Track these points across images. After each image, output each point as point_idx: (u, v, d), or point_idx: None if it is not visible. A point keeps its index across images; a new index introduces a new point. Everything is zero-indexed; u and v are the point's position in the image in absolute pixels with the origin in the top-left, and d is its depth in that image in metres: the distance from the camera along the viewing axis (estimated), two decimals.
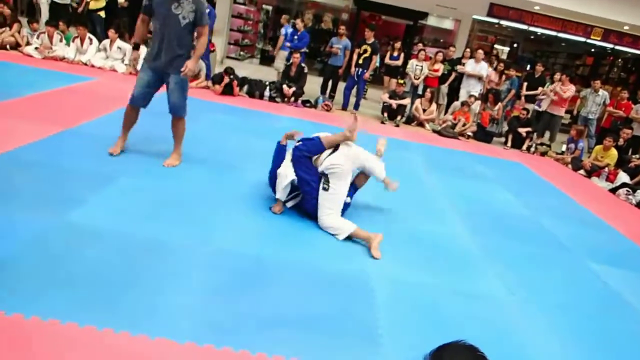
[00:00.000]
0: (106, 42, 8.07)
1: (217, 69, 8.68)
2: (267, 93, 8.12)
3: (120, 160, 3.89)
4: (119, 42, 8.05)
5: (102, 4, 9.38)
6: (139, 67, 4.08)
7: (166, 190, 3.49)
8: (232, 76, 7.79)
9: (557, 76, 9.27)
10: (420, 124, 8.82)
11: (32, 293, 2.09)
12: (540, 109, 9.28)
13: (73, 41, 7.97)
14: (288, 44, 8.89)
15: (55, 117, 4.67)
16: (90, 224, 2.78)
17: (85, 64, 7.81)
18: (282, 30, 9.52)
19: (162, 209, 3.16)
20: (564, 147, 8.57)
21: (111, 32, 8.07)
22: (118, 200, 3.17)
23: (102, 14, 9.41)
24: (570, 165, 7.91)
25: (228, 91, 7.80)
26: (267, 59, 13.66)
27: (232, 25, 12.60)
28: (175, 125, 4.09)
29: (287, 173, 3.34)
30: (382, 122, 8.44)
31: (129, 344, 1.92)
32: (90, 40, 7.99)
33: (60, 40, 7.99)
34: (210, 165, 4.25)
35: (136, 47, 4.06)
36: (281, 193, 3.40)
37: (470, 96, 8.86)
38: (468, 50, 9.38)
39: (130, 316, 2.07)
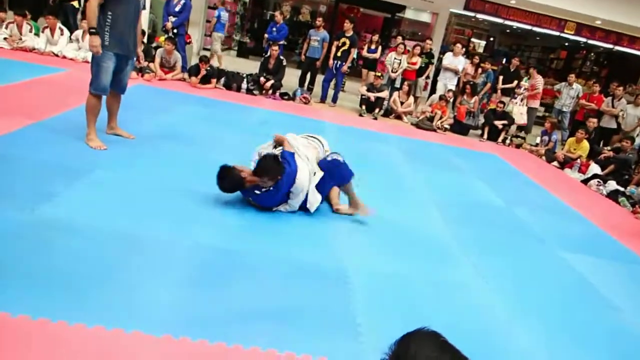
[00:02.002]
0: (78, 32, 7.87)
1: (194, 61, 8.57)
2: (244, 85, 8.05)
3: (93, 152, 3.81)
4: None
5: None
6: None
7: (140, 183, 3.44)
8: (208, 67, 7.70)
9: (532, 71, 9.47)
10: (398, 117, 8.88)
11: (1, 289, 2.04)
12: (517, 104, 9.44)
13: (43, 31, 7.75)
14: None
15: (25, 109, 4.54)
16: (63, 218, 2.72)
17: (57, 55, 7.61)
18: (215, 13, 9.66)
19: (136, 203, 3.11)
20: (538, 139, 8.74)
21: (84, 23, 7.86)
22: (92, 193, 3.11)
23: (76, 3, 9.17)
24: (544, 157, 8.08)
25: (205, 80, 7.74)
26: (244, 51, 13.53)
27: (209, 16, 12.42)
28: (118, 101, 4.29)
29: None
30: (360, 115, 8.46)
31: (103, 338, 1.89)
32: (61, 30, 7.78)
33: (30, 31, 7.76)
34: (186, 158, 4.20)
35: (94, 33, 3.68)
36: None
37: (449, 91, 8.95)
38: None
39: (104, 310, 2.04)
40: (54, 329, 1.88)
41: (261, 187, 3.24)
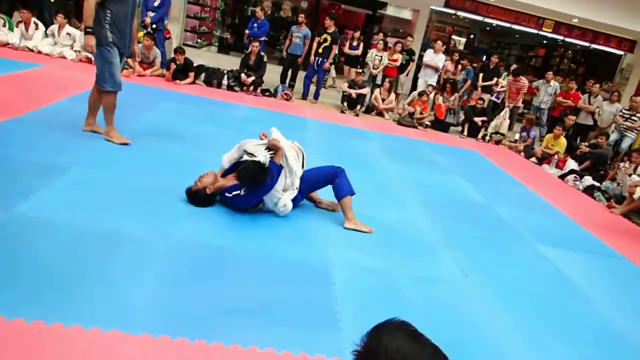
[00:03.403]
0: (54, 27, 7.69)
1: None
2: (225, 82, 7.98)
3: (72, 149, 3.74)
4: (68, 28, 7.70)
5: None
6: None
7: (120, 180, 3.39)
8: (185, 58, 7.55)
9: (512, 67, 9.61)
10: (380, 114, 8.92)
11: None
12: (499, 101, 9.57)
13: (17, 26, 7.56)
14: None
15: None
16: (41, 216, 2.67)
17: (32, 50, 7.43)
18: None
19: (116, 200, 3.07)
20: (517, 136, 8.88)
21: (60, 17, 7.70)
22: (70, 191, 3.05)
23: None
24: (522, 153, 8.20)
25: (179, 76, 7.58)
26: (225, 47, 13.41)
27: (189, 11, 12.29)
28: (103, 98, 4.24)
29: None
30: (342, 112, 8.47)
31: (81, 338, 1.86)
32: (36, 25, 7.59)
33: (4, 25, 7.56)
34: (166, 155, 4.15)
35: (90, 33, 3.77)
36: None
37: (429, 86, 9.02)
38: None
39: (82, 310, 2.01)
40: (30, 329, 1.85)
41: (233, 190, 3.20)
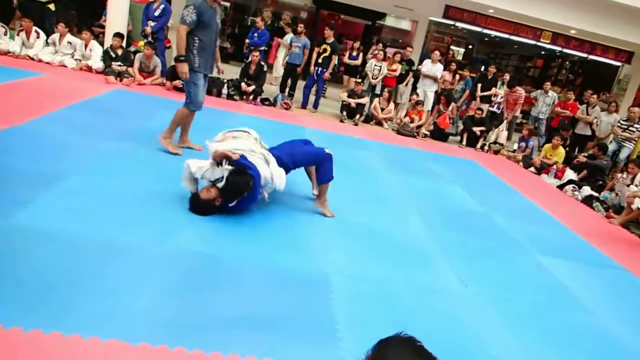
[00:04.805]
0: (55, 36, 7.73)
1: None
2: (225, 91, 8.01)
3: (71, 158, 3.75)
4: (69, 37, 7.73)
5: None
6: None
7: (119, 189, 3.39)
8: None
9: (507, 77, 9.67)
10: (379, 123, 8.95)
11: None
12: (499, 112, 9.62)
13: (18, 34, 7.60)
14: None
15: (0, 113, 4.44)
16: (39, 225, 2.67)
17: (32, 59, 7.46)
18: None
19: (114, 209, 3.07)
20: (515, 146, 8.91)
21: (61, 26, 7.73)
22: (68, 200, 3.05)
23: (52, 6, 9.02)
24: (521, 163, 8.22)
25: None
26: (225, 57, 13.47)
27: None
28: (193, 116, 4.60)
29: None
30: (341, 121, 8.50)
31: (80, 347, 1.85)
32: (37, 33, 7.63)
33: (5, 34, 7.60)
34: (165, 164, 4.16)
35: (183, 60, 4.12)
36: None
37: (417, 95, 9.10)
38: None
39: (80, 319, 2.00)
40: (28, 339, 1.84)
41: (229, 202, 3.22)
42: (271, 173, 3.34)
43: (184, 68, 4.11)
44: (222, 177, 3.15)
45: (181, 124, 4.49)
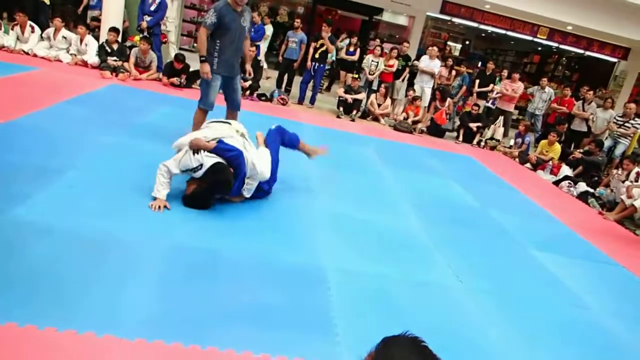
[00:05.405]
0: (50, 30, 7.68)
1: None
2: None
3: (67, 153, 3.73)
4: (64, 32, 7.68)
5: None
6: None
7: (115, 184, 3.38)
8: (184, 65, 7.61)
9: (504, 73, 9.66)
10: (376, 119, 8.94)
11: None
12: (494, 107, 9.63)
13: (12, 29, 7.54)
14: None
15: None
16: (36, 220, 2.66)
17: (27, 53, 7.41)
18: None
19: (111, 204, 3.06)
20: (511, 142, 8.92)
21: (57, 21, 7.69)
22: (66, 195, 3.04)
23: (47, 1, 8.96)
24: (517, 159, 8.24)
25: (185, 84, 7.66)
26: None
27: (185, 16, 12.29)
28: (235, 117, 4.60)
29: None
30: (338, 117, 8.49)
31: (75, 343, 1.85)
32: (32, 28, 7.58)
33: None
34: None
35: (204, 61, 4.25)
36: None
37: (413, 91, 9.09)
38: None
39: (76, 314, 2.00)
40: (22, 334, 1.84)
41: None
42: (251, 158, 3.37)
43: (204, 68, 4.24)
44: (201, 165, 3.15)
45: (199, 124, 4.42)
